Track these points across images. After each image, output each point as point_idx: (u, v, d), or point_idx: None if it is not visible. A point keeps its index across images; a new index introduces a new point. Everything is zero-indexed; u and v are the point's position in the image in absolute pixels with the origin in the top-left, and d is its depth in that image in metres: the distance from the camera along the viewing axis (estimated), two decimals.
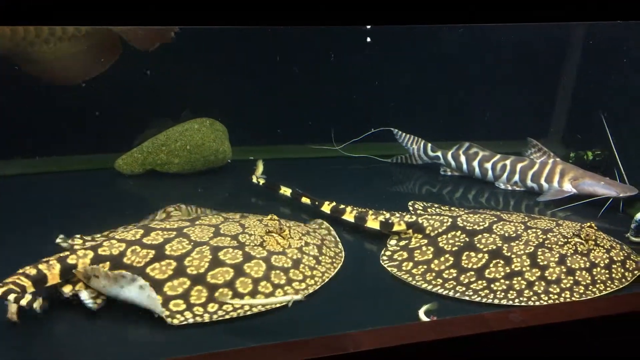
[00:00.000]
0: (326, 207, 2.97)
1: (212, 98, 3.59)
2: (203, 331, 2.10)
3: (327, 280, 2.41)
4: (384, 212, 2.89)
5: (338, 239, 2.76)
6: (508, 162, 3.44)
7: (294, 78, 3.62)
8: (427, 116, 3.74)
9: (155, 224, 2.52)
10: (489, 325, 2.01)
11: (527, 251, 2.53)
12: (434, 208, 3.11)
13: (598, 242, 2.56)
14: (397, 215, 2.88)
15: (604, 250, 2.53)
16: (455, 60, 3.71)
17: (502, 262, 2.51)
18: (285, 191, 3.13)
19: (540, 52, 3.72)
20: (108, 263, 2.30)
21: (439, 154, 3.60)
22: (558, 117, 3.90)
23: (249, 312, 2.17)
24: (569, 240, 2.54)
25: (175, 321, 2.11)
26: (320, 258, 2.51)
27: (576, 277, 2.42)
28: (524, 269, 2.47)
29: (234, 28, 3.07)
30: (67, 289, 2.21)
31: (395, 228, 2.83)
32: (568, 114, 3.84)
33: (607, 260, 2.49)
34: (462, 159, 3.54)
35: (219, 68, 3.51)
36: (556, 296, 2.35)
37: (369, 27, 3.37)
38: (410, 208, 3.09)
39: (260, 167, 3.38)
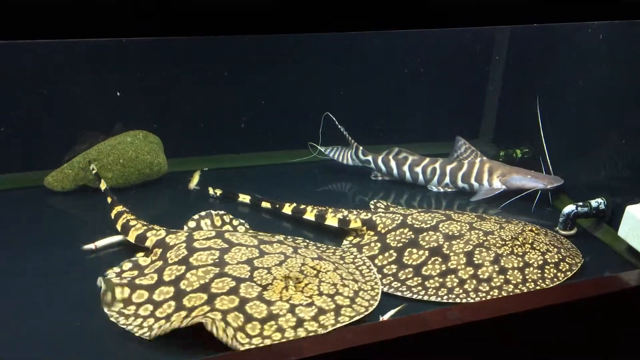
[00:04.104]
0: (287, 209, 3.05)
1: (145, 110, 3.52)
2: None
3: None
4: (342, 210, 2.97)
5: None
6: (437, 165, 3.48)
7: (228, 86, 3.59)
8: (359, 121, 3.75)
9: (229, 234, 2.60)
10: (429, 324, 2.05)
11: (465, 250, 2.59)
12: (395, 208, 3.15)
13: (534, 245, 2.62)
14: (355, 212, 2.95)
15: (539, 253, 2.60)
16: (385, 65, 3.77)
17: (439, 259, 2.58)
18: (244, 198, 3.19)
19: (468, 54, 3.82)
20: (160, 250, 2.56)
21: (370, 158, 3.60)
22: (488, 118, 4.02)
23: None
24: (507, 242, 2.62)
25: (121, 320, 2.22)
26: (306, 323, 2.16)
27: (507, 276, 2.49)
28: (459, 267, 2.53)
29: (163, 39, 3.03)
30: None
31: (352, 225, 2.89)
32: (497, 114, 3.97)
33: (541, 261, 2.56)
34: (393, 164, 3.55)
35: (151, 79, 3.44)
36: (484, 294, 2.41)
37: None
38: (372, 206, 3.14)
39: (195, 178, 3.35)
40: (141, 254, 2.63)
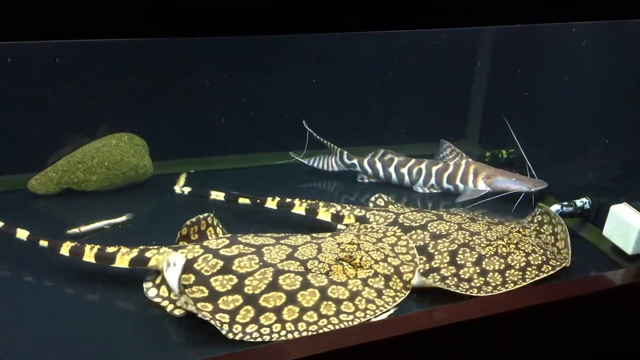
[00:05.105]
0: (271, 203, 2.96)
1: (130, 112, 3.49)
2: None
3: (379, 315, 2.29)
4: (335, 205, 2.93)
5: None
6: (423, 166, 3.49)
7: (214, 88, 3.58)
8: (342, 123, 3.76)
9: (243, 238, 2.58)
10: (416, 325, 2.06)
11: (450, 249, 2.60)
12: (394, 205, 3.13)
13: (519, 246, 2.62)
14: (348, 208, 2.92)
15: (524, 254, 2.59)
16: (370, 66, 3.77)
17: (424, 258, 2.59)
18: (217, 196, 3.08)
19: (453, 56, 3.83)
20: None
21: (355, 161, 3.59)
22: (474, 119, 4.04)
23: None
24: (492, 242, 2.62)
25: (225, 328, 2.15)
26: (384, 291, 2.37)
27: (487, 279, 2.49)
28: (441, 266, 2.54)
29: (147, 40, 3.01)
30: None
31: (345, 221, 2.88)
32: (483, 116, 3.99)
33: (524, 263, 2.56)
34: (378, 165, 3.54)
35: (136, 81, 3.42)
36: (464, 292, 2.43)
37: None
38: (371, 204, 3.11)
39: (182, 180, 3.33)
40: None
